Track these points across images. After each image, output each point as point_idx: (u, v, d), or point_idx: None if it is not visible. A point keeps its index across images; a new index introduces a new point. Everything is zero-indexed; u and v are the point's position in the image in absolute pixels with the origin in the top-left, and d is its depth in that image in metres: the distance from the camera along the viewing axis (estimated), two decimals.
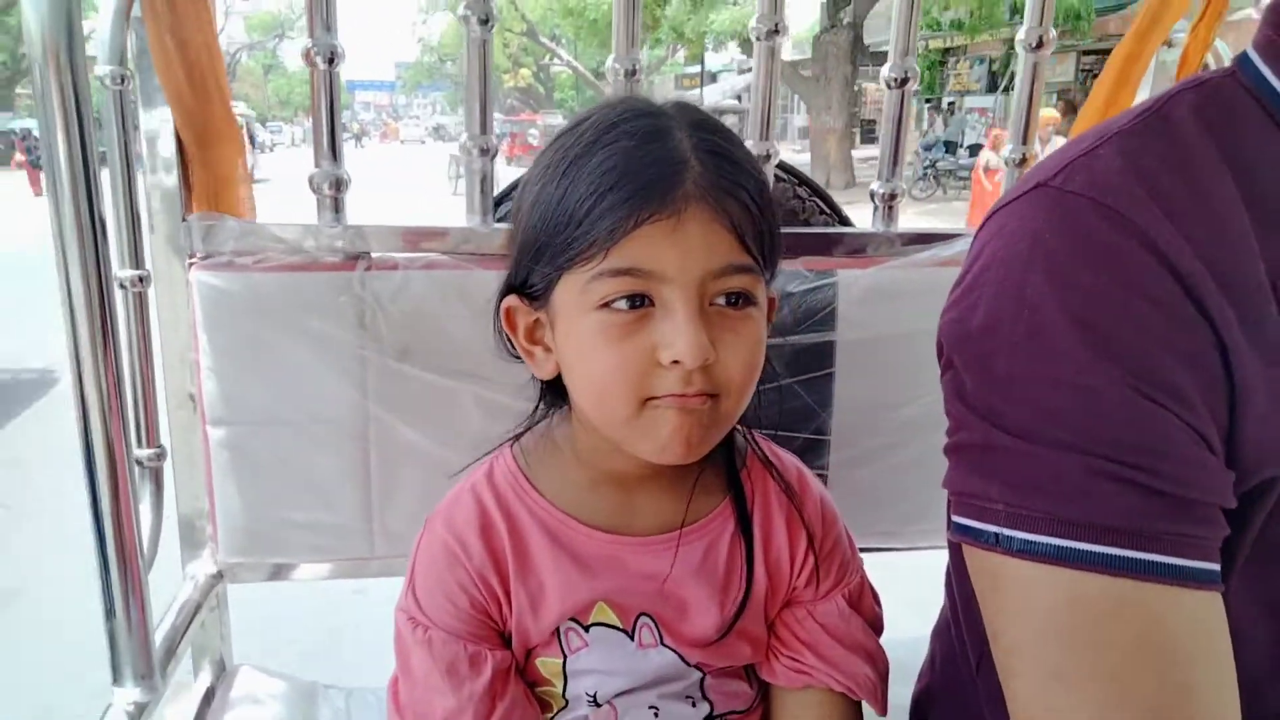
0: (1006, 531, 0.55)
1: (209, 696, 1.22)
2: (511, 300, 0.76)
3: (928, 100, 20.71)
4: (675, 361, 0.66)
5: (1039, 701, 0.55)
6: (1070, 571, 0.52)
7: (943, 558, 0.91)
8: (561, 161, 0.70)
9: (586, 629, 0.80)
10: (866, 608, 0.87)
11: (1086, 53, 17.30)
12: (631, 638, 0.81)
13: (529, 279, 0.73)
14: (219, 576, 1.18)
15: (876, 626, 0.88)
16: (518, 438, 0.86)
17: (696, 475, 0.81)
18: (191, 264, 1.06)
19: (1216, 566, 0.53)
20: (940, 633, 0.88)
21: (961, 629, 0.79)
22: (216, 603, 1.20)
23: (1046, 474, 0.53)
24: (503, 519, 0.80)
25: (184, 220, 1.05)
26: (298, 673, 1.30)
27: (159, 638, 1.03)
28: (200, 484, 1.14)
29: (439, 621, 0.79)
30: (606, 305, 0.68)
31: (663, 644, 0.81)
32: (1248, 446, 0.54)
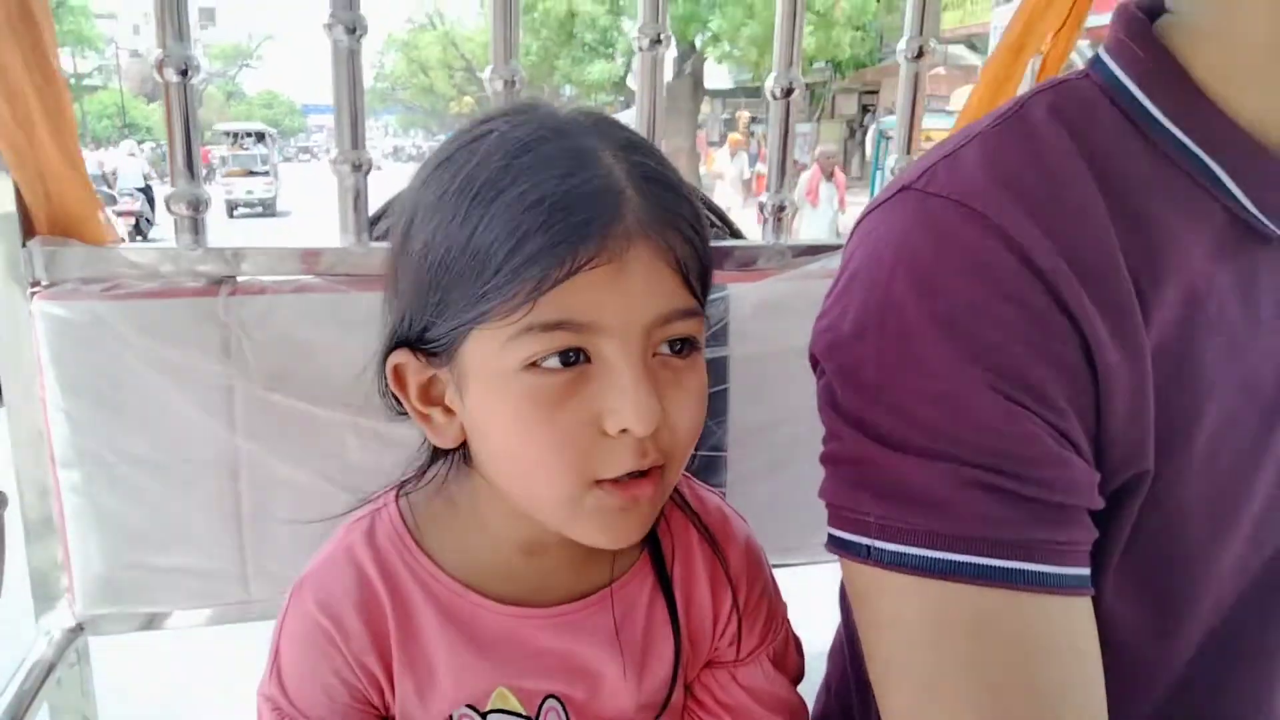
0: (878, 544, 0.54)
1: None
2: (401, 356, 0.63)
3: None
4: (624, 430, 0.57)
5: (911, 715, 0.54)
6: (940, 583, 0.52)
7: (838, 571, 0.88)
8: (465, 190, 0.57)
9: (484, 716, 0.70)
10: (790, 662, 0.80)
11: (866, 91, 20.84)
12: None
13: (425, 333, 0.60)
14: (78, 630, 1.09)
15: (798, 678, 0.80)
16: (401, 487, 0.74)
17: None
18: (34, 293, 0.98)
19: (1086, 571, 0.53)
20: (834, 653, 0.87)
21: (854, 646, 0.78)
22: (76, 658, 1.11)
23: (915, 485, 0.53)
24: (386, 591, 0.68)
25: (24, 246, 0.97)
26: None
27: (4, 701, 0.94)
28: (53, 531, 1.05)
29: (310, 712, 0.68)
30: (534, 365, 0.56)
31: None
32: (1114, 444, 0.54)
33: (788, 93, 1.14)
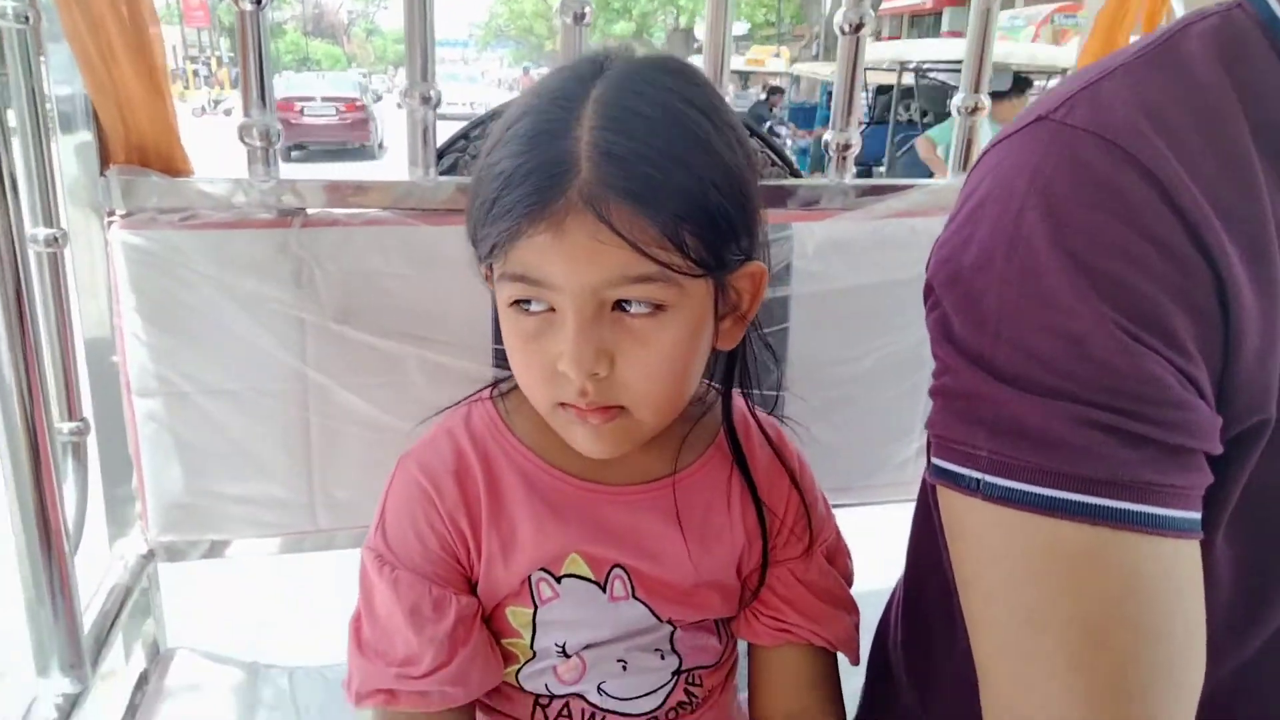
0: (989, 478, 0.54)
1: (142, 682, 1.15)
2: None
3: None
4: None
5: (1012, 647, 0.54)
6: (1050, 520, 0.52)
7: (892, 511, 0.91)
8: (491, 144, 0.68)
9: (558, 580, 0.79)
10: (840, 561, 0.88)
11: None
12: (604, 590, 0.79)
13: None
14: (150, 556, 1.11)
15: (848, 579, 0.88)
16: (496, 385, 0.84)
17: (684, 432, 0.80)
18: (111, 222, 0.98)
19: (1197, 515, 0.52)
20: (894, 607, 0.89)
21: (916, 603, 0.81)
22: (148, 584, 1.13)
23: (1032, 422, 0.52)
24: (479, 462, 0.78)
25: (102, 175, 0.97)
26: (236, 654, 1.24)
27: (87, 624, 0.96)
28: (127, 458, 1.07)
29: (406, 561, 0.77)
30: (517, 303, 0.68)
31: (634, 597, 0.80)
32: (1239, 389, 0.53)
33: (856, 28, 1.12)
